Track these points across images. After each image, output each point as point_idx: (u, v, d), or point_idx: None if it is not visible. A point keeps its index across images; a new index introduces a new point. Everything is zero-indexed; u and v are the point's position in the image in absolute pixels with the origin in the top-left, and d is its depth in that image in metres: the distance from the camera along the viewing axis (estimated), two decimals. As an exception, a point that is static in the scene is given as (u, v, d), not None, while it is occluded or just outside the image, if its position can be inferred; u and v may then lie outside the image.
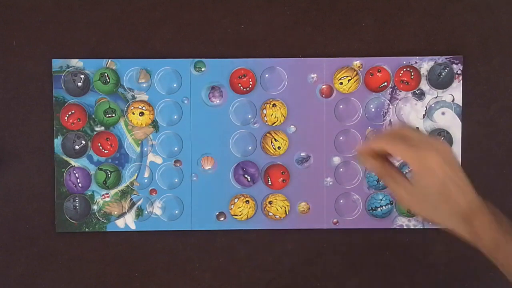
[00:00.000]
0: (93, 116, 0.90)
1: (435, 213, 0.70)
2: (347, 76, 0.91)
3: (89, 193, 0.91)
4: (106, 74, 0.90)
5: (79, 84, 0.90)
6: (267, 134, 0.91)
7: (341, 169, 0.92)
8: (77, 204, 0.90)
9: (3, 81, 0.90)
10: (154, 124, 0.91)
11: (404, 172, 0.91)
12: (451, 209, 0.69)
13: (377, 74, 0.91)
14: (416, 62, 0.91)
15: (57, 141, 0.90)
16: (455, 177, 0.69)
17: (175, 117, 0.91)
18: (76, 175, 0.90)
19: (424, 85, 0.91)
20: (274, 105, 0.91)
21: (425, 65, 0.91)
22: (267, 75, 0.91)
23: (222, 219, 0.91)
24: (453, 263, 0.92)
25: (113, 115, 0.90)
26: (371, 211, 0.91)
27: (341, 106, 0.91)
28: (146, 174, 0.91)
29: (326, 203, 0.92)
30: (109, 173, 0.90)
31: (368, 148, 0.72)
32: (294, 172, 0.91)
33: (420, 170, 0.69)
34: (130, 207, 0.91)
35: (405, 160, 0.70)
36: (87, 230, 0.91)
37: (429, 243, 0.92)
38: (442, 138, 0.91)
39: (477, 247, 0.69)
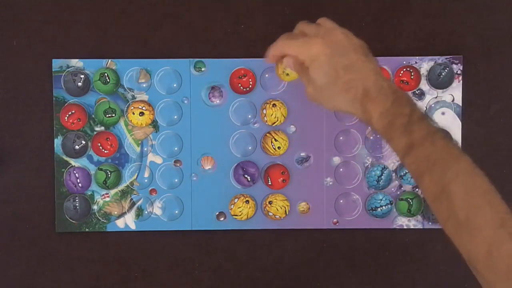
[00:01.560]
0: (93, 116, 0.90)
1: (335, 103, 0.70)
2: (347, 76, 0.91)
3: (89, 193, 0.91)
4: (106, 74, 0.90)
5: (79, 84, 0.90)
6: (267, 134, 0.91)
7: (341, 169, 0.92)
8: (77, 204, 0.90)
9: (3, 81, 0.90)
10: (154, 124, 0.91)
11: (400, 175, 0.91)
12: (347, 96, 0.69)
13: (377, 74, 0.91)
14: (416, 62, 0.91)
15: (57, 141, 0.90)
16: (347, 62, 0.68)
17: (175, 117, 0.91)
18: (76, 175, 0.90)
19: (424, 85, 0.91)
20: (274, 105, 0.91)
21: (425, 65, 0.91)
22: (267, 75, 0.91)
23: (222, 219, 0.91)
24: (453, 263, 0.92)
25: (113, 115, 0.90)
26: (371, 211, 0.91)
27: (341, 106, 0.91)
28: (146, 174, 0.91)
29: (326, 203, 0.92)
30: (109, 173, 0.90)
31: (273, 56, 0.73)
32: (294, 172, 0.91)
33: (308, 62, 0.69)
34: (130, 207, 0.91)
35: (297, 55, 0.70)
36: (87, 230, 0.91)
37: (429, 243, 0.92)
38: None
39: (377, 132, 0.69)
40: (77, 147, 0.90)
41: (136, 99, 0.90)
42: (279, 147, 0.91)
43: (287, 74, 0.86)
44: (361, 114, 0.69)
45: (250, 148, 0.91)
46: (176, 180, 0.91)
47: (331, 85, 0.69)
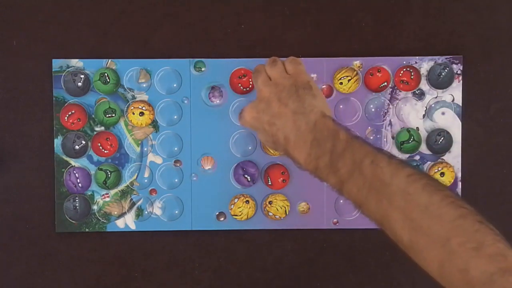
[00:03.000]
0: (93, 116, 0.90)
1: (280, 152, 0.75)
2: (347, 76, 0.91)
3: (89, 193, 0.91)
4: (106, 74, 0.90)
5: (79, 84, 0.90)
6: (267, 134, 0.91)
7: (341, 169, 0.91)
8: (77, 204, 0.90)
9: (3, 81, 0.90)
10: (154, 124, 0.91)
11: None
12: (278, 148, 0.73)
13: (377, 74, 0.91)
14: (416, 62, 0.91)
15: (57, 141, 0.90)
16: (268, 117, 0.72)
17: (175, 117, 0.91)
18: (76, 175, 0.90)
19: (424, 85, 0.91)
20: (274, 105, 0.91)
21: (425, 65, 0.91)
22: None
23: (222, 219, 0.91)
24: (453, 263, 0.92)
25: (113, 115, 0.90)
26: (371, 211, 0.91)
27: (341, 106, 0.91)
28: (146, 174, 0.91)
29: (326, 203, 0.92)
30: (109, 173, 0.90)
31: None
32: (294, 172, 0.91)
33: (252, 128, 0.77)
34: (130, 207, 0.91)
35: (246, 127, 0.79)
36: (87, 230, 0.91)
37: (429, 243, 0.92)
38: (442, 139, 0.91)
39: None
40: (77, 147, 0.90)
41: (136, 99, 0.90)
42: (279, 147, 0.91)
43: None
44: (294, 161, 0.71)
45: (250, 148, 0.91)
46: (176, 180, 0.91)
47: (267, 141, 0.75)
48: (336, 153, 0.66)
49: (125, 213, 0.91)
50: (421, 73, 0.91)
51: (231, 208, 0.91)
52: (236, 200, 0.91)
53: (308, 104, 0.71)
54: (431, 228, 0.58)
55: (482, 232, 0.56)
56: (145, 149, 0.91)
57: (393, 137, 0.91)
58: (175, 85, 0.90)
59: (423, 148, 0.91)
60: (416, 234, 0.59)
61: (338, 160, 0.65)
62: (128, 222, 0.91)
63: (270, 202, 0.91)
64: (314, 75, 0.91)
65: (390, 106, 0.91)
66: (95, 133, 0.90)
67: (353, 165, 0.64)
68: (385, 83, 0.91)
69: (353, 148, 0.65)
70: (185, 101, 0.91)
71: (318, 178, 0.69)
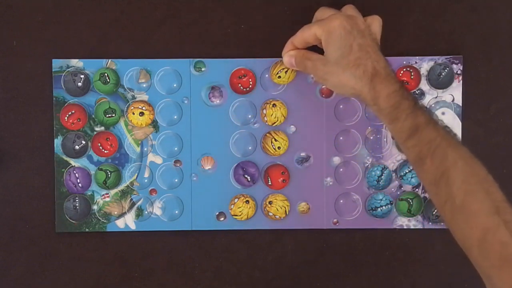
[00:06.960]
0: (93, 116, 0.90)
1: (343, 78, 0.73)
2: (347, 76, 0.91)
3: (89, 193, 0.91)
4: (106, 74, 0.90)
5: (79, 84, 0.90)
6: (267, 134, 0.91)
7: (341, 169, 0.92)
8: (77, 204, 0.90)
9: (3, 81, 0.90)
10: (154, 124, 0.91)
11: (404, 173, 0.91)
12: (356, 72, 0.72)
13: (377, 74, 0.91)
14: (416, 62, 0.91)
15: (57, 141, 0.90)
16: (362, 42, 0.73)
17: (175, 117, 0.91)
18: (76, 175, 0.90)
19: (424, 85, 0.91)
20: (274, 105, 0.91)
21: (425, 65, 0.91)
22: (267, 75, 0.91)
23: (222, 219, 0.91)
24: (453, 263, 0.92)
25: (113, 115, 0.90)
26: (371, 211, 0.91)
27: (341, 106, 0.91)
28: (146, 174, 0.91)
29: (326, 203, 0.92)
30: (109, 173, 0.90)
31: (290, 46, 0.80)
32: (294, 172, 0.91)
33: (326, 36, 0.73)
34: (130, 207, 0.91)
35: (315, 34, 0.75)
36: (87, 230, 0.91)
37: (429, 243, 0.93)
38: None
39: (378, 116, 0.73)
40: (77, 147, 0.90)
41: (136, 99, 0.90)
42: (279, 147, 0.91)
43: (279, 77, 0.89)
44: (367, 91, 0.72)
45: (250, 148, 0.91)
46: (176, 180, 0.91)
47: (342, 59, 0.72)
48: (417, 104, 0.71)
49: (125, 213, 0.91)
50: (421, 73, 0.91)
51: (231, 208, 0.91)
52: (236, 200, 0.91)
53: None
54: (484, 198, 0.63)
55: None
56: (145, 149, 0.91)
57: (393, 137, 0.91)
58: (175, 85, 0.91)
59: (423, 148, 0.91)
60: (470, 198, 0.63)
61: (418, 108, 0.70)
62: (128, 222, 0.91)
63: (270, 202, 0.91)
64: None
65: (390, 106, 0.91)
66: (95, 133, 0.90)
67: (431, 119, 0.70)
68: (385, 83, 0.91)
69: (429, 111, 0.73)
70: (185, 101, 0.91)
71: (388, 117, 0.71)
